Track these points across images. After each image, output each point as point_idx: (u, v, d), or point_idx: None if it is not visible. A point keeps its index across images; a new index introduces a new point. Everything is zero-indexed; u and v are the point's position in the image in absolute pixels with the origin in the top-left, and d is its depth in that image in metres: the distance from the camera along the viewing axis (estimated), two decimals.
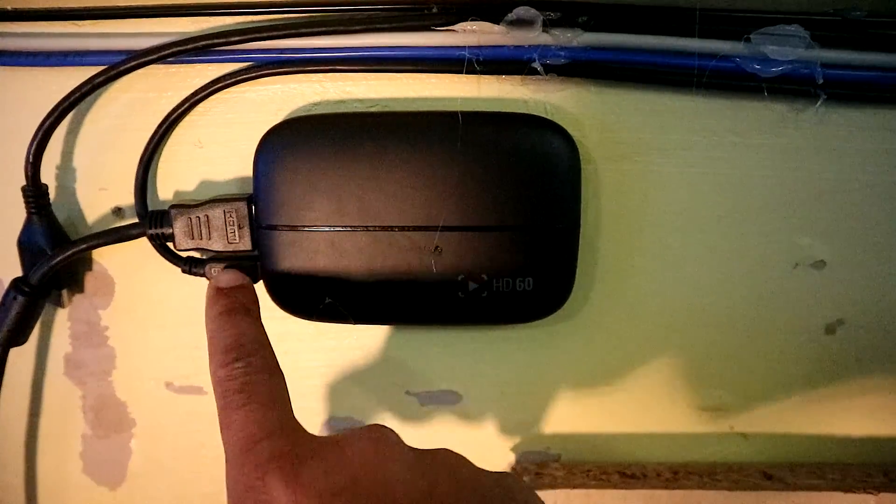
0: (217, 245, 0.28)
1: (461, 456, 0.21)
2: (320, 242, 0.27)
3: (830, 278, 0.30)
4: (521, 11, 0.26)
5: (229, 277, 0.25)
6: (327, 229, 0.27)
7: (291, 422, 0.20)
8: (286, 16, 0.27)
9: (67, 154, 0.30)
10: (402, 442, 0.20)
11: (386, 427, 0.21)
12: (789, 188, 0.29)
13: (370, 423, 0.21)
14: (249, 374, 0.21)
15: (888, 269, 0.30)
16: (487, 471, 0.21)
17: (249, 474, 0.18)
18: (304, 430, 0.20)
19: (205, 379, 0.32)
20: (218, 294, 0.25)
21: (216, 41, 0.27)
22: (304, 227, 0.27)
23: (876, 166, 0.29)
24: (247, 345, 0.22)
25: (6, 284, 0.31)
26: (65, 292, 0.31)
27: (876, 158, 0.28)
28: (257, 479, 0.18)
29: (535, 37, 0.26)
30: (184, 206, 0.28)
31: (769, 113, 0.28)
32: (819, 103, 0.27)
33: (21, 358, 0.32)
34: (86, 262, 0.31)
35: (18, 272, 0.29)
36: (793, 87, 0.27)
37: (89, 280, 0.31)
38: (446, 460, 0.20)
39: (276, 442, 0.19)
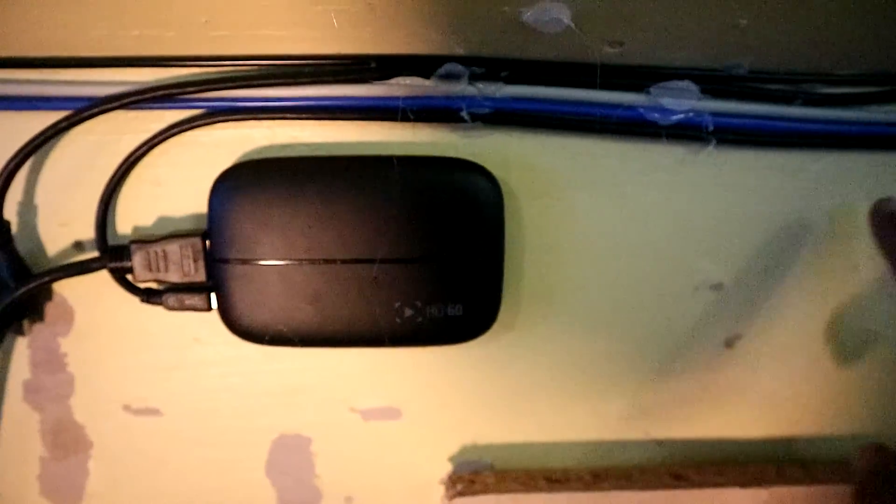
0: (174, 277, 0.30)
1: None
2: (270, 274, 0.29)
3: (728, 298, 0.34)
4: (450, 67, 0.30)
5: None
6: (276, 262, 0.29)
7: None
8: (238, 67, 0.30)
9: (29, 191, 0.32)
10: None
11: None
12: (689, 219, 0.33)
13: None
14: None
15: (777, 288, 0.34)
16: None
17: None
18: None
19: (162, 401, 0.34)
20: None
21: (174, 91, 0.29)
22: (255, 260, 0.29)
23: (763, 199, 0.33)
24: None
25: None
26: (25, 322, 0.32)
27: (762, 193, 0.33)
28: None
29: (462, 89, 0.30)
30: (142, 241, 0.30)
31: (670, 154, 0.32)
32: (711, 146, 0.31)
33: None
34: (46, 293, 0.33)
35: None
36: (688, 132, 0.31)
37: (49, 309, 0.33)
38: None
39: None
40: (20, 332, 0.32)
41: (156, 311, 0.32)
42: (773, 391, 0.35)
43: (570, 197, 0.32)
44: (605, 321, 0.34)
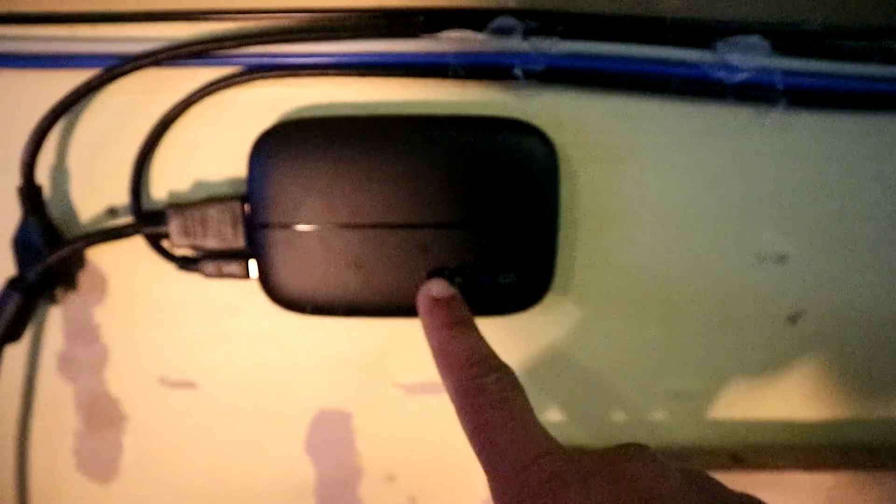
0: (211, 243, 0.29)
1: (712, 477, 0.20)
2: (312, 240, 0.28)
3: (792, 272, 0.32)
4: (502, 21, 0.28)
5: (441, 287, 0.25)
6: (319, 227, 0.28)
7: (553, 438, 0.20)
8: (277, 21, 0.28)
9: (61, 155, 0.30)
10: (668, 464, 0.19)
11: (648, 447, 0.20)
12: (754, 187, 0.31)
13: (630, 443, 0.20)
14: (503, 389, 0.21)
15: (845, 263, 0.32)
16: (735, 491, 0.20)
17: (532, 494, 0.18)
18: (565, 447, 0.20)
19: (198, 374, 0.33)
20: (436, 305, 0.24)
21: (210, 46, 0.28)
22: (297, 225, 0.28)
23: (833, 166, 0.31)
24: (489, 359, 0.22)
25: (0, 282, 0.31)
26: (59, 290, 0.31)
27: (833, 159, 0.30)
28: (546, 498, 0.18)
29: (515, 45, 0.28)
30: (179, 205, 0.29)
31: (735, 117, 0.30)
32: (779, 108, 0.29)
33: (14, 355, 0.32)
34: (79, 261, 0.32)
35: (9, 270, 0.30)
36: (756, 92, 0.29)
37: (82, 278, 0.32)
38: (707, 480, 0.20)
39: (553, 460, 0.19)
40: (53, 300, 0.31)
41: (191, 280, 0.31)
42: (837, 370, 0.33)
43: (626, 161, 0.30)
44: (661, 294, 0.32)
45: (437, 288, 0.25)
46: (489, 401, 0.21)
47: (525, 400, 0.21)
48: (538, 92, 0.29)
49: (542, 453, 0.19)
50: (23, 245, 0.30)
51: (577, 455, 0.19)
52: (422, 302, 0.25)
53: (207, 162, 0.30)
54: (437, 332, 0.24)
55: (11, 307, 0.29)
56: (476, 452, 0.20)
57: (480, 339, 0.24)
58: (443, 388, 0.33)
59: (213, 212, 0.28)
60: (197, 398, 0.33)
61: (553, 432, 0.21)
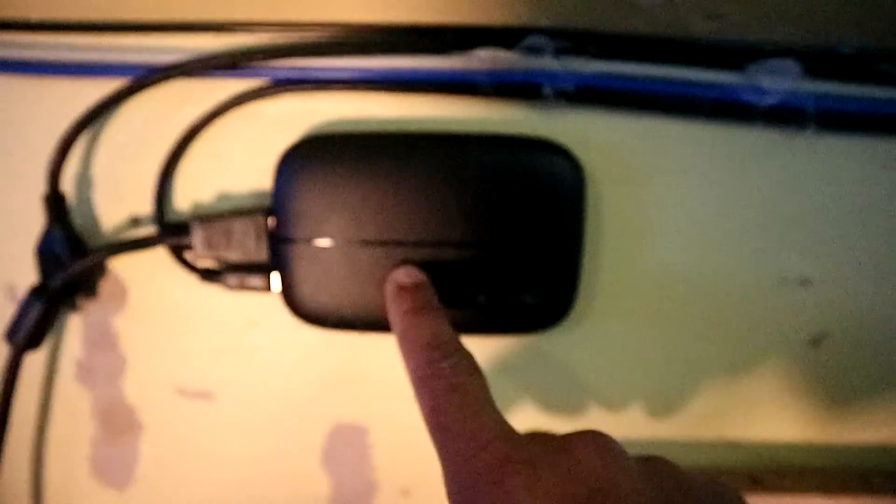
0: (234, 256, 0.29)
1: (674, 464, 0.20)
2: (336, 255, 0.28)
3: (815, 294, 0.31)
4: (534, 40, 0.28)
5: (408, 273, 0.25)
6: (343, 242, 0.28)
7: (507, 423, 0.20)
8: (307, 35, 0.28)
9: (85, 163, 0.30)
10: (624, 450, 0.19)
11: (605, 434, 0.20)
12: (779, 209, 0.30)
13: (587, 429, 0.20)
14: (458, 374, 0.21)
15: (869, 286, 0.31)
16: (698, 477, 0.20)
17: (481, 479, 0.18)
18: (519, 433, 0.20)
19: (216, 385, 0.33)
20: (403, 291, 0.24)
21: (240, 58, 0.28)
22: (321, 239, 0.28)
23: (859, 190, 0.30)
24: (447, 344, 0.22)
25: (20, 289, 0.31)
26: (79, 298, 0.31)
27: (859, 183, 0.30)
28: (491, 485, 0.18)
29: (545, 64, 0.28)
30: (204, 217, 0.29)
31: (763, 140, 0.30)
32: (809, 132, 0.29)
33: (33, 362, 0.32)
34: (100, 269, 0.31)
35: (32, 277, 0.30)
36: (786, 116, 0.29)
37: (103, 286, 0.32)
38: (666, 469, 0.19)
39: (503, 445, 0.18)
40: (74, 308, 0.31)
41: (211, 292, 0.31)
42: (860, 394, 0.33)
43: (652, 182, 0.30)
44: (684, 315, 0.32)
45: (403, 275, 0.25)
46: (444, 385, 0.20)
47: (482, 386, 0.21)
48: (566, 111, 0.29)
49: (493, 438, 0.19)
50: (46, 253, 0.29)
51: (528, 441, 0.19)
52: (388, 289, 0.25)
53: (232, 174, 0.30)
54: (401, 319, 0.23)
55: (33, 315, 0.29)
56: (431, 437, 0.20)
57: (442, 324, 0.23)
58: None
59: (237, 224, 0.28)
60: (214, 409, 0.33)
61: None
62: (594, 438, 0.19)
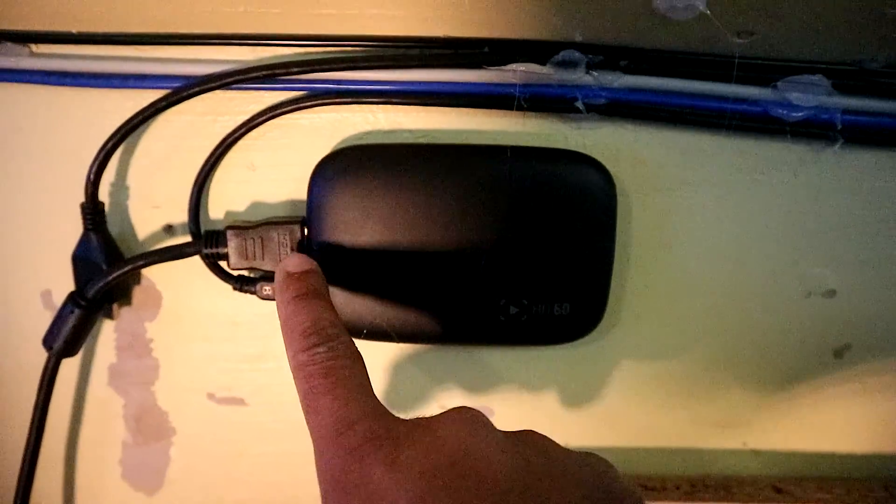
0: (269, 265, 0.29)
1: (546, 436, 0.21)
2: (369, 265, 0.28)
3: (840, 306, 0.32)
4: (567, 54, 0.28)
5: (298, 261, 0.25)
6: (377, 253, 0.28)
7: (380, 406, 0.20)
8: (343, 49, 0.29)
9: (122, 172, 0.31)
10: (490, 423, 0.20)
11: (474, 409, 0.21)
12: (805, 222, 0.31)
13: (458, 406, 0.21)
14: (333, 358, 0.21)
15: (893, 299, 0.32)
16: (571, 450, 0.21)
17: (345, 457, 0.18)
18: (393, 414, 0.20)
19: (247, 391, 0.33)
20: (289, 278, 0.24)
21: (278, 71, 0.28)
22: (355, 249, 0.28)
23: (884, 203, 0.31)
24: (327, 328, 0.22)
25: (55, 295, 0.32)
26: (115, 305, 0.32)
27: (885, 196, 0.31)
28: (354, 462, 0.18)
29: (578, 78, 0.28)
30: (239, 227, 0.29)
31: (790, 153, 0.30)
32: (836, 146, 0.29)
33: (67, 366, 0.33)
34: (135, 276, 0.32)
35: (67, 284, 0.30)
36: (814, 130, 0.29)
37: (137, 293, 0.32)
38: (535, 440, 0.20)
39: (369, 424, 0.19)
40: (109, 315, 0.32)
41: (243, 299, 0.31)
42: (881, 404, 0.33)
43: (680, 194, 0.30)
44: (709, 325, 0.32)
45: (292, 262, 0.25)
46: (318, 369, 0.21)
47: (358, 371, 0.21)
48: (597, 124, 0.29)
49: (360, 418, 0.19)
50: (82, 261, 0.30)
51: (395, 420, 0.20)
52: (277, 277, 0.25)
53: (266, 184, 0.30)
54: (285, 306, 0.23)
55: (71, 323, 0.29)
56: (306, 421, 0.20)
57: (323, 311, 0.23)
58: (489, 413, 0.33)
59: (273, 234, 0.29)
60: (245, 414, 0.33)
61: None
62: (460, 413, 0.20)
